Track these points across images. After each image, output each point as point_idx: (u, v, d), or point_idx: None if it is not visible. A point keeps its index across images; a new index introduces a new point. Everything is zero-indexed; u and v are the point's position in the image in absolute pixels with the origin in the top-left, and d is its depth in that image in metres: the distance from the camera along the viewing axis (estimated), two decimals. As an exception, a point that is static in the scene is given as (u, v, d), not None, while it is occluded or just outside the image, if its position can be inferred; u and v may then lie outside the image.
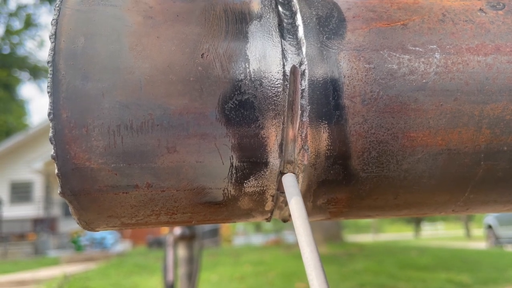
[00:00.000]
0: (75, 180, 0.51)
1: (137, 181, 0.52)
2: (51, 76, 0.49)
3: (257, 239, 21.78)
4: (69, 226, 18.85)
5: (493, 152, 0.57)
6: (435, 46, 0.55)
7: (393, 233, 38.50)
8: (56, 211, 19.58)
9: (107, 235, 16.09)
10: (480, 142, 0.56)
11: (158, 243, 15.72)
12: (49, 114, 0.49)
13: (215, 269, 7.72)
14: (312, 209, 0.61)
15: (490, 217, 12.12)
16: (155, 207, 0.55)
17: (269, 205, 0.59)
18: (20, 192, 19.44)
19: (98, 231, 0.60)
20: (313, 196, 0.58)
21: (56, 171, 0.51)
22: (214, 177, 0.54)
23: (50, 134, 0.49)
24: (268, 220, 0.65)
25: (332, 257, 8.66)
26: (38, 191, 19.12)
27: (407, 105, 0.54)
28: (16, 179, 19.34)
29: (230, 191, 0.55)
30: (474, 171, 0.58)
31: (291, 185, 0.53)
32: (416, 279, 6.22)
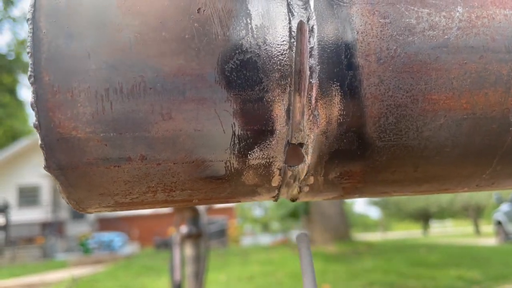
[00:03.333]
0: (61, 152, 0.46)
1: (129, 152, 0.47)
2: (31, 35, 0.44)
3: (265, 239, 21.74)
4: (77, 229, 18.92)
5: None
6: None
7: (402, 231, 38.28)
8: (64, 214, 19.64)
9: (115, 237, 16.11)
10: (509, 105, 0.51)
11: (166, 245, 15.70)
12: (29, 77, 0.44)
13: (224, 269, 7.68)
14: (323, 184, 0.55)
15: (499, 213, 11.97)
16: (151, 183, 0.50)
17: (276, 180, 0.54)
18: (28, 196, 19.50)
19: (90, 212, 0.55)
20: (324, 169, 0.53)
21: (39, 142, 0.46)
22: (215, 148, 0.49)
23: (31, 100, 0.44)
24: (275, 198, 0.59)
25: (341, 256, 8.60)
26: (45, 195, 19.19)
27: (428, 63, 0.49)
28: (23, 183, 19.40)
29: (233, 163, 0.50)
30: (502, 139, 0.53)
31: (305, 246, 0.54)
32: (426, 276, 6.14)
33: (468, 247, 10.86)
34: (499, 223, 12.15)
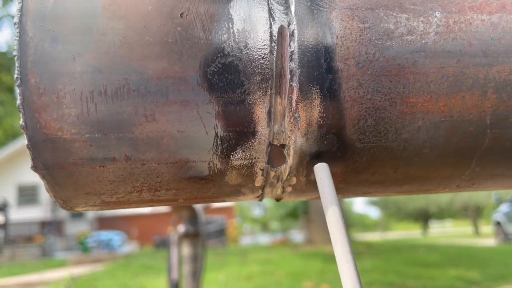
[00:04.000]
0: (47, 152, 0.47)
1: (114, 153, 0.48)
2: (17, 38, 0.46)
3: (264, 239, 21.75)
4: (76, 228, 18.92)
5: (500, 119, 0.53)
6: (435, 4, 0.51)
7: (401, 231, 38.29)
8: (63, 213, 19.63)
9: (114, 236, 16.11)
10: (485, 108, 0.52)
11: (165, 244, 15.72)
12: (16, 80, 0.45)
13: (223, 269, 7.68)
14: (305, 184, 0.57)
15: (498, 214, 11.98)
16: (136, 183, 0.52)
17: (259, 180, 0.55)
18: (27, 195, 19.52)
19: (78, 211, 0.57)
20: (306, 169, 0.54)
21: (26, 142, 0.47)
22: (198, 149, 0.50)
23: (18, 102, 0.46)
24: (259, 198, 0.61)
25: (340, 256, 8.58)
26: (45, 194, 19.17)
27: (406, 67, 0.50)
28: (23, 182, 19.41)
29: (216, 164, 0.52)
30: (480, 141, 0.54)
31: (325, 176, 0.50)
32: (425, 276, 6.15)
33: (467, 247, 10.87)
34: (498, 223, 12.15)
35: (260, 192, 0.58)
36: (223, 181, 0.54)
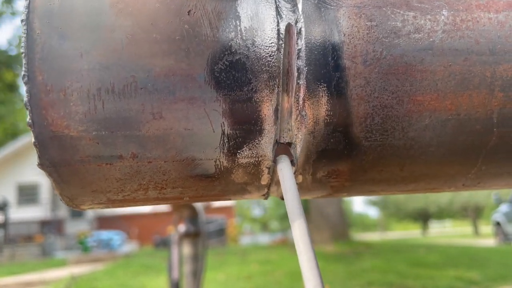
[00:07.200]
0: (54, 149, 0.47)
1: (121, 151, 0.48)
2: (25, 35, 0.45)
3: (264, 239, 21.73)
4: (76, 227, 18.91)
5: (507, 117, 0.52)
6: (442, 2, 0.51)
7: (401, 231, 38.32)
8: (63, 212, 19.64)
9: (114, 236, 16.11)
10: (492, 107, 0.52)
11: (165, 244, 15.72)
12: (23, 77, 0.45)
13: (222, 269, 7.69)
14: (312, 183, 0.57)
15: (498, 214, 11.98)
16: (142, 181, 0.52)
17: (265, 179, 0.55)
18: (27, 194, 19.51)
19: (83, 209, 0.57)
20: (312, 168, 0.54)
21: (32, 139, 0.47)
22: (205, 147, 0.50)
23: (25, 99, 0.46)
24: (265, 197, 0.61)
25: (340, 256, 8.61)
26: (45, 193, 19.18)
27: (413, 65, 0.50)
28: (23, 181, 19.40)
29: (223, 162, 0.51)
30: (486, 139, 0.54)
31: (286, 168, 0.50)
32: (424, 276, 6.15)
33: (467, 247, 10.86)
34: (498, 224, 12.15)
35: (266, 190, 0.58)
36: (229, 179, 0.54)
